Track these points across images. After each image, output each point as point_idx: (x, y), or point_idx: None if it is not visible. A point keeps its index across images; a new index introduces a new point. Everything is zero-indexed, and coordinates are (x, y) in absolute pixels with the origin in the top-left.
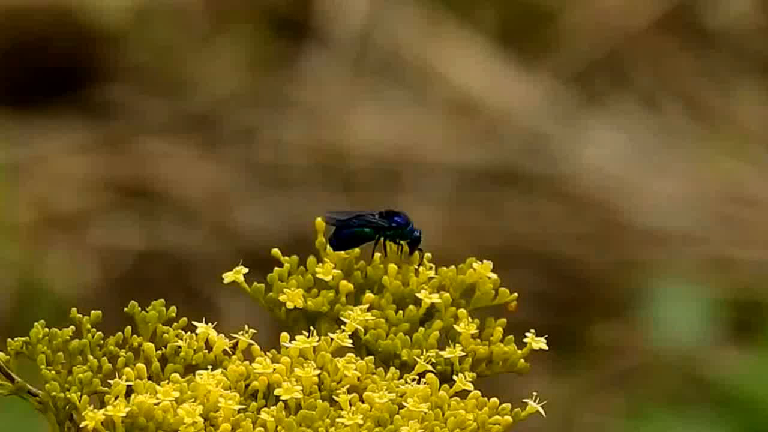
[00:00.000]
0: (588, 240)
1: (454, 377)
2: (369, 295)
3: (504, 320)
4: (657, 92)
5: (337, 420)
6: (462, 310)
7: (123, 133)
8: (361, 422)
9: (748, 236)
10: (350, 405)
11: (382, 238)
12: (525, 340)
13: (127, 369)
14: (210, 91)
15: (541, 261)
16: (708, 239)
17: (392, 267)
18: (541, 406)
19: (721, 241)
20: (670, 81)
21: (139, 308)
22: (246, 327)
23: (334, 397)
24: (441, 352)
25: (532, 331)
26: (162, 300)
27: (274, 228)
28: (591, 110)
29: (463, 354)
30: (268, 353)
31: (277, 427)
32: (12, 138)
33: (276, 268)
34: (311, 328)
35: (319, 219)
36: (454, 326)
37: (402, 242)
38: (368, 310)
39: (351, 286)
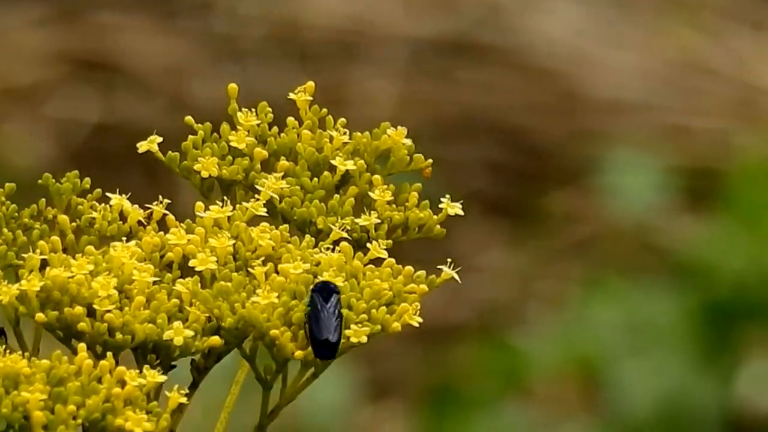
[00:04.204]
0: (544, 110)
1: (368, 245)
2: (283, 162)
3: (419, 185)
4: None
5: (253, 299)
6: (377, 177)
7: (79, 7)
8: (276, 300)
9: (703, 105)
10: (266, 279)
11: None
12: (441, 205)
13: (42, 242)
14: None
15: (496, 132)
16: (663, 108)
17: (306, 133)
18: (499, 275)
19: (676, 111)
20: None
21: (53, 180)
22: (160, 197)
23: (249, 268)
24: (357, 220)
25: (447, 196)
26: (76, 171)
27: None
28: None
29: (379, 221)
30: (182, 224)
31: (191, 300)
32: None
33: (190, 136)
34: (225, 198)
35: (232, 84)
36: (369, 193)
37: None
38: (283, 177)
39: (265, 153)
